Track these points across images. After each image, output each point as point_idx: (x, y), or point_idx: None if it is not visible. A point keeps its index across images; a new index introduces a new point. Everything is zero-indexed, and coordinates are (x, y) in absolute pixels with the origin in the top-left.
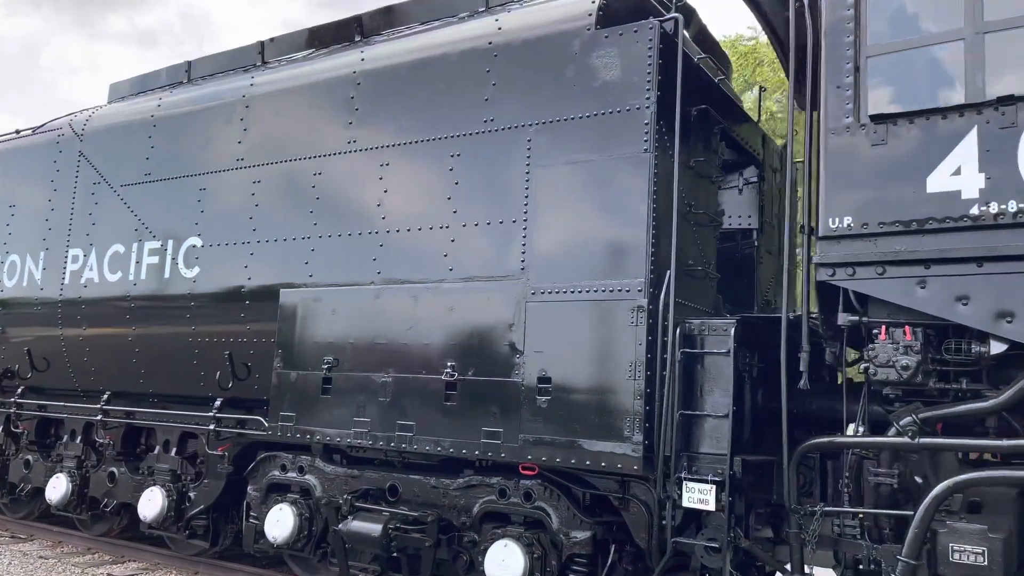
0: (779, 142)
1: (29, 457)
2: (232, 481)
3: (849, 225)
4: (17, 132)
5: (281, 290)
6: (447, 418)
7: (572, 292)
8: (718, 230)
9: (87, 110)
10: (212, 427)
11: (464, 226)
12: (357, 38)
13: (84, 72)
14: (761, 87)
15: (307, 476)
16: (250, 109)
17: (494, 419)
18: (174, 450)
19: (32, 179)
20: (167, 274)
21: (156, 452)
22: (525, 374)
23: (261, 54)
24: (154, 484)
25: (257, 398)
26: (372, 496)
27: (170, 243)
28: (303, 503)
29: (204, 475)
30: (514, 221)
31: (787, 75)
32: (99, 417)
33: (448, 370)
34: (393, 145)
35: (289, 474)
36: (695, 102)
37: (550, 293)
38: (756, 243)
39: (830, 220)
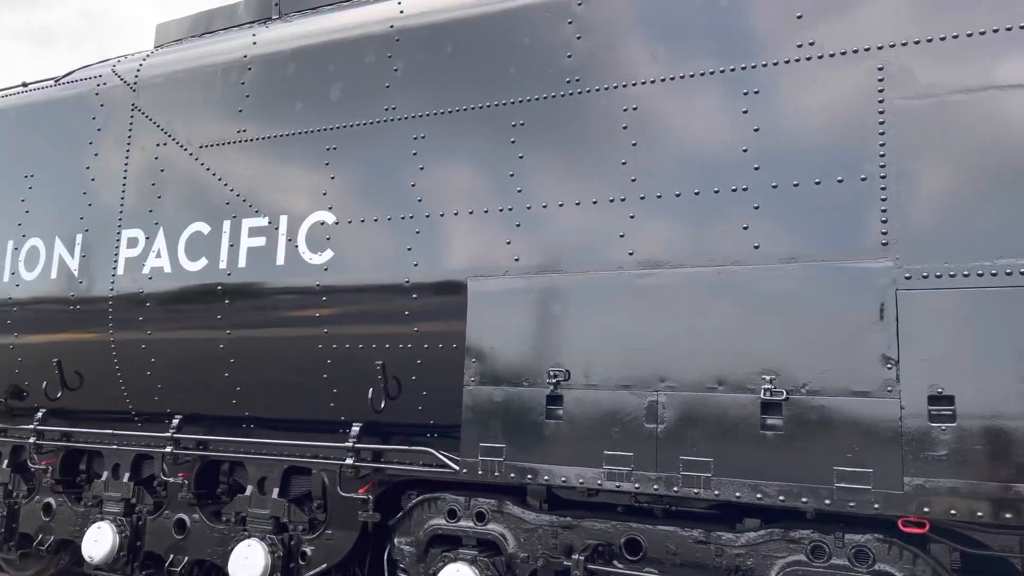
0: None
1: (51, 500)
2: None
3: None
4: (25, 85)
5: (470, 280)
6: (768, 452)
7: (981, 275)
8: None
9: (134, 55)
10: (350, 461)
11: (774, 187)
12: None
13: None
14: None
15: (491, 526)
16: (402, 43)
17: (854, 455)
18: (275, 491)
19: (58, 142)
20: (281, 259)
21: (248, 494)
22: (905, 392)
23: None
24: (248, 536)
25: (418, 423)
26: (600, 554)
27: (283, 219)
28: (486, 562)
29: (325, 524)
30: (863, 178)
31: None
32: (168, 449)
33: (767, 386)
34: (649, 82)
35: (462, 523)
36: None
37: (940, 278)
38: None
39: None
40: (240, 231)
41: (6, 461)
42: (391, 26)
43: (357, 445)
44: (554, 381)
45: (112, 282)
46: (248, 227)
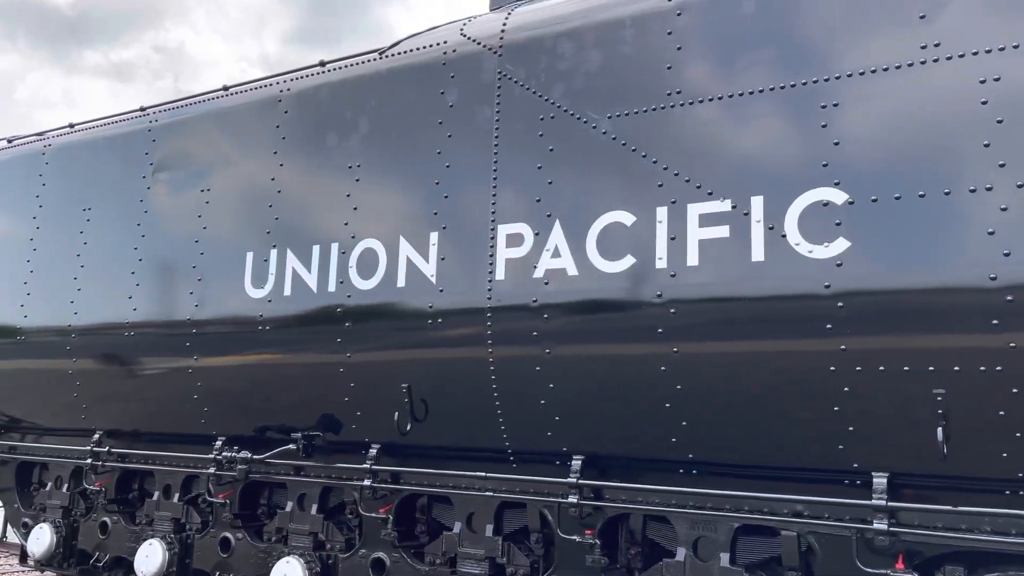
0: None
1: (383, 556)
2: None
3: None
4: (323, 64)
5: None
6: None
7: None
8: None
9: (477, 17)
10: (881, 525)
11: None
12: None
13: (59, 106)
14: None
15: None
16: None
17: None
18: (724, 556)
19: (393, 123)
20: (758, 254)
21: (681, 559)
22: None
23: None
24: None
25: (987, 476)
26: None
27: (756, 201)
28: None
29: None
30: None
31: None
32: (573, 499)
33: None
34: None
35: None
36: None
37: None
38: None
39: None
40: (684, 219)
41: (315, 506)
42: None
43: (891, 504)
44: None
45: (489, 289)
46: (697, 214)
